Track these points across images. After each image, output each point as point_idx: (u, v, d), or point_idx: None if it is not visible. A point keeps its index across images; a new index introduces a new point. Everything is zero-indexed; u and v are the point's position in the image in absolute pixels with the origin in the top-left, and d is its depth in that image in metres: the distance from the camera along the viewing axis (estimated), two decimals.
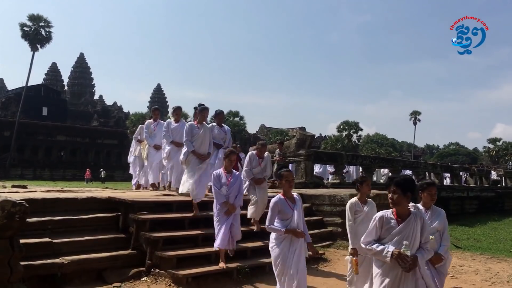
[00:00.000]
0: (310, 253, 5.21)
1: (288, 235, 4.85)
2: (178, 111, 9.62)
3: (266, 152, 8.39)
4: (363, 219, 5.61)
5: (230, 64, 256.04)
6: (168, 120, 9.54)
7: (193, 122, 9.09)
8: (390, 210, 3.78)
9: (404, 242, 3.57)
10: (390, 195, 3.70)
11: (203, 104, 9.52)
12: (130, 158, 11.55)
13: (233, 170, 6.47)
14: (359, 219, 5.68)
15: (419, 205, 4.91)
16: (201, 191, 7.56)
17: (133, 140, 11.60)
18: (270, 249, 4.99)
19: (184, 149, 7.70)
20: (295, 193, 5.11)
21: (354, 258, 5.43)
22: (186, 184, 7.56)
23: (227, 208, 6.38)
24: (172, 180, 9.09)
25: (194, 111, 9.33)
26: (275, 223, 4.88)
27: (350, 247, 5.73)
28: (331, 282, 7.01)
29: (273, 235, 4.98)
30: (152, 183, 10.19)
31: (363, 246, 3.80)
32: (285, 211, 4.89)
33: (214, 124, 9.06)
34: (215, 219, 6.45)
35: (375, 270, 3.76)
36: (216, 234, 6.37)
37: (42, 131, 53.25)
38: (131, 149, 11.68)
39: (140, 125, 11.39)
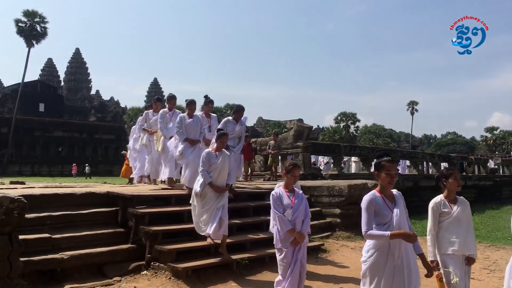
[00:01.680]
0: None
1: (386, 244, 3.67)
2: (192, 105, 8.59)
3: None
4: (451, 222, 4.53)
5: (227, 57, 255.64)
6: (181, 114, 8.53)
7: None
8: None
9: None
10: None
11: (209, 97, 8.98)
12: (136, 145, 10.53)
13: (295, 188, 5.07)
14: (446, 222, 4.54)
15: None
16: (224, 229, 6.60)
17: (137, 128, 10.62)
18: (362, 263, 3.83)
19: (200, 180, 6.70)
20: (394, 190, 3.94)
21: (436, 273, 4.30)
22: (203, 226, 6.64)
23: (293, 238, 4.82)
24: (186, 180, 8.15)
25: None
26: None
27: (429, 258, 4.44)
28: (332, 271, 7.03)
29: (367, 244, 3.82)
30: (169, 177, 8.85)
31: None
32: (383, 212, 3.74)
33: (230, 118, 8.52)
34: (278, 252, 4.93)
35: None
36: (283, 274, 4.87)
37: (39, 127, 53.07)
38: (134, 136, 10.78)
39: (145, 111, 10.24)
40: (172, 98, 9.47)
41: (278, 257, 4.90)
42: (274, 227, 5.04)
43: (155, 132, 9.57)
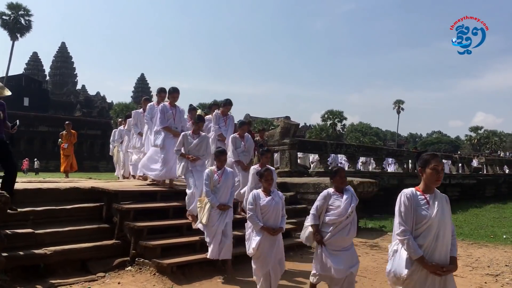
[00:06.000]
0: None
1: None
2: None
3: None
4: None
5: (214, 54, 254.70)
6: (255, 191, 5.45)
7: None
8: None
9: None
10: None
11: (248, 118, 8.93)
12: (158, 141, 8.21)
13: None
14: None
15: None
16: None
17: (158, 118, 8.30)
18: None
19: (401, 254, 3.76)
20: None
21: None
22: None
23: None
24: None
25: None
26: None
27: None
28: None
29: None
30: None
31: None
32: None
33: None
34: None
35: None
36: None
37: (23, 122, 52.26)
38: (155, 128, 8.46)
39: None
40: (221, 153, 6.65)
41: None
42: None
43: (196, 159, 7.34)
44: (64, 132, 14.38)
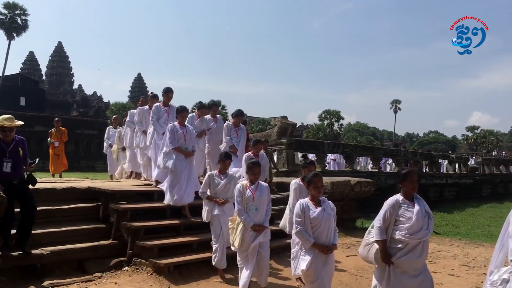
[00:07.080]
0: None
1: None
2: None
3: None
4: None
5: (211, 53, 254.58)
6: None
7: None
8: None
9: None
10: None
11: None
12: (169, 163, 7.45)
13: None
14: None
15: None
16: None
17: (168, 138, 7.55)
18: None
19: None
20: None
21: None
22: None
23: None
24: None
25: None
26: None
27: None
28: None
29: None
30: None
31: None
32: None
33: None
34: None
35: None
36: None
37: (20, 121, 52.23)
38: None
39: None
40: (255, 164, 5.80)
41: None
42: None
43: (225, 202, 6.39)
44: (53, 130, 13.50)
